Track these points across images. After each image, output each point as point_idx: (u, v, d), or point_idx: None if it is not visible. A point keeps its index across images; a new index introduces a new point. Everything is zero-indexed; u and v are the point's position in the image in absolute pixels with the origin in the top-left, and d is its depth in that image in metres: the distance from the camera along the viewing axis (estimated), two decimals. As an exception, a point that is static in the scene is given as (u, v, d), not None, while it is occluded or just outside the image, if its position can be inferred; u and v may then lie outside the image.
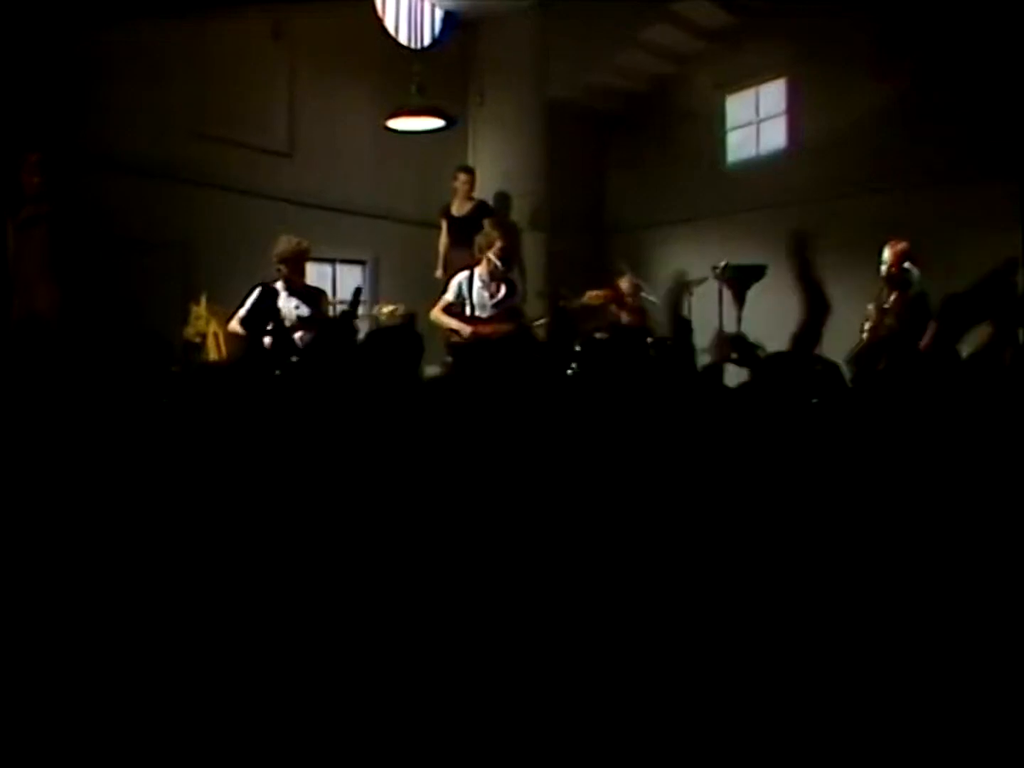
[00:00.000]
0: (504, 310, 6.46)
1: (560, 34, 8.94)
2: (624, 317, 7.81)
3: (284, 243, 6.03)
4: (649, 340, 7.48)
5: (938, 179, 7.83)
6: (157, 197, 6.97)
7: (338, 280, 8.46)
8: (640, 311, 7.98)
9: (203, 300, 7.00)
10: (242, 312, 5.98)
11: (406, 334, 3.79)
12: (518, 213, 9.21)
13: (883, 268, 6.62)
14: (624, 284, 7.81)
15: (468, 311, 6.49)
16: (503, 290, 6.49)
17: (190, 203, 7.21)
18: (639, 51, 8.76)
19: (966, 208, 7.76)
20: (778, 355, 3.69)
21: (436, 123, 7.36)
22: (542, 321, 6.64)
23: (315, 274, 8.19)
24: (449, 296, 6.56)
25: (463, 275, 6.58)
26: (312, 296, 6.17)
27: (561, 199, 9.30)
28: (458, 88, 9.39)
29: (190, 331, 7.05)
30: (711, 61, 9.02)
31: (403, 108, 7.19)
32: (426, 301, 8.82)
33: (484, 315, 6.45)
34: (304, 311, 6.03)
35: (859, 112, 8.13)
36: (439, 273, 8.55)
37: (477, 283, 6.50)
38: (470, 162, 9.43)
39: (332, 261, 8.39)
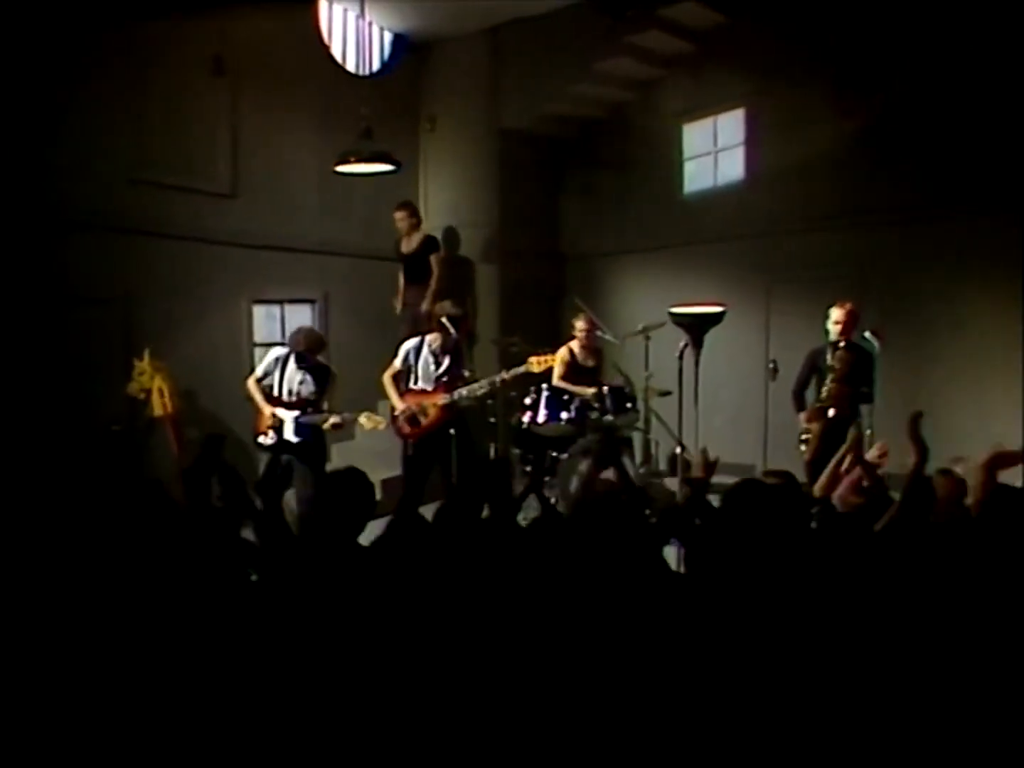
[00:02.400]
0: (445, 382, 6.34)
1: (513, 61, 8.70)
2: (581, 356, 7.73)
3: (299, 340, 6.10)
4: (604, 390, 7.47)
5: (897, 217, 7.74)
6: (94, 250, 6.66)
7: (286, 321, 8.19)
8: (597, 351, 7.89)
9: (146, 355, 6.79)
10: (259, 371, 6.16)
11: (354, 483, 3.61)
12: (469, 245, 9.02)
13: (830, 330, 6.43)
14: (580, 323, 7.70)
15: (412, 380, 6.41)
16: (448, 361, 6.37)
17: (129, 253, 6.89)
18: (594, 79, 8.49)
19: (927, 247, 7.70)
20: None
21: (384, 167, 7.10)
22: (481, 386, 6.46)
23: (263, 315, 7.98)
24: (396, 363, 6.46)
25: (412, 343, 6.47)
26: (322, 373, 6.10)
27: (513, 228, 9.11)
28: (408, 114, 9.12)
29: (134, 387, 6.86)
30: (668, 89, 8.78)
31: (351, 154, 6.91)
32: (379, 336, 8.69)
33: (428, 386, 6.37)
34: (310, 388, 6.03)
35: (819, 146, 7.98)
36: (397, 306, 8.39)
37: (425, 351, 6.37)
38: (420, 191, 9.21)
39: (280, 302, 8.12)
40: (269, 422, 6.03)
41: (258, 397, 6.09)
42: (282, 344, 6.29)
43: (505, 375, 6.43)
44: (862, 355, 6.25)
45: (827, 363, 6.33)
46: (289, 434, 5.97)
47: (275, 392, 6.07)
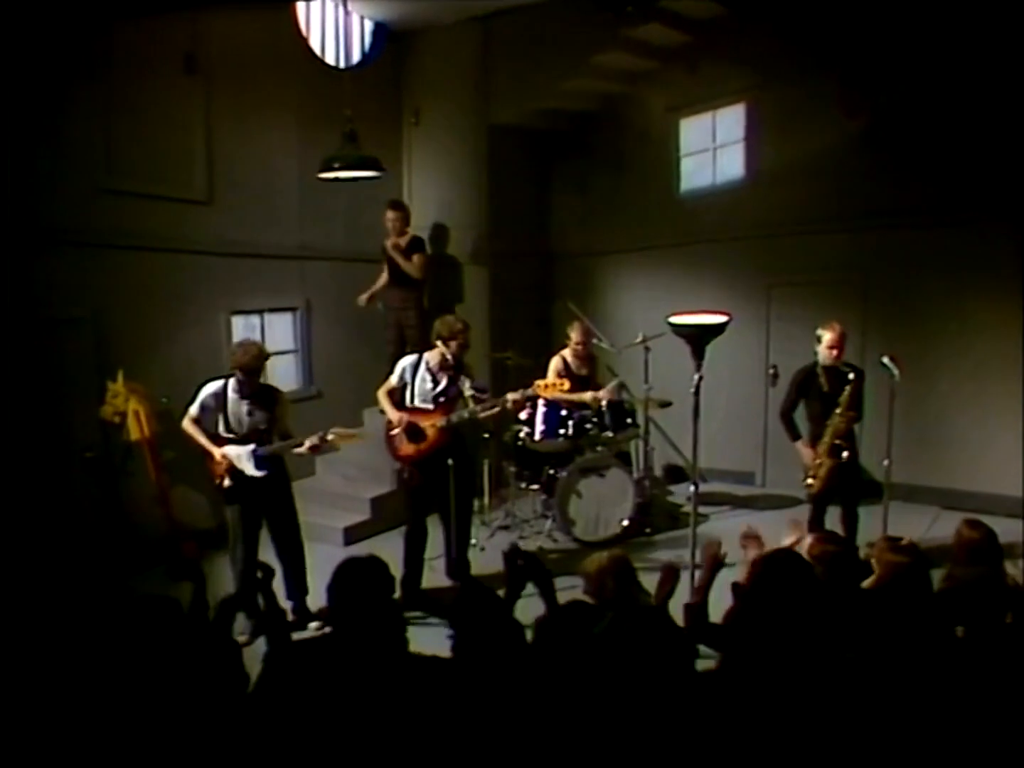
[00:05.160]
0: (443, 403, 5.98)
1: (502, 52, 8.28)
2: (575, 365, 7.45)
3: (241, 352, 5.40)
4: (603, 404, 7.18)
5: (902, 220, 7.48)
6: (62, 266, 6.19)
7: (266, 331, 7.78)
8: (591, 359, 7.61)
9: (120, 376, 6.45)
10: (193, 410, 5.55)
11: (372, 569, 3.35)
12: (456, 245, 8.65)
13: (822, 353, 6.09)
14: (575, 334, 7.42)
15: (408, 399, 6.04)
16: (446, 381, 5.98)
17: (100, 268, 6.43)
18: (588, 72, 8.10)
19: (931, 251, 7.47)
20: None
21: (368, 173, 6.71)
22: (484, 408, 6.07)
23: (242, 326, 7.60)
24: (393, 379, 6.08)
25: (409, 360, 6.11)
26: (267, 396, 5.57)
27: (502, 226, 8.76)
28: (391, 107, 8.70)
29: (108, 411, 6.50)
30: (665, 83, 8.40)
31: (335, 160, 6.51)
32: (362, 343, 8.33)
33: (425, 406, 5.99)
34: (259, 416, 5.47)
35: (821, 144, 7.67)
36: (362, 298, 8.01)
37: (423, 369, 6.00)
38: (405, 188, 8.82)
39: (260, 312, 7.71)
40: (223, 465, 5.43)
41: (201, 439, 5.48)
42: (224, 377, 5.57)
43: (515, 396, 5.99)
44: (858, 377, 5.99)
45: (823, 389, 6.03)
46: (250, 470, 5.38)
47: (221, 429, 5.46)
